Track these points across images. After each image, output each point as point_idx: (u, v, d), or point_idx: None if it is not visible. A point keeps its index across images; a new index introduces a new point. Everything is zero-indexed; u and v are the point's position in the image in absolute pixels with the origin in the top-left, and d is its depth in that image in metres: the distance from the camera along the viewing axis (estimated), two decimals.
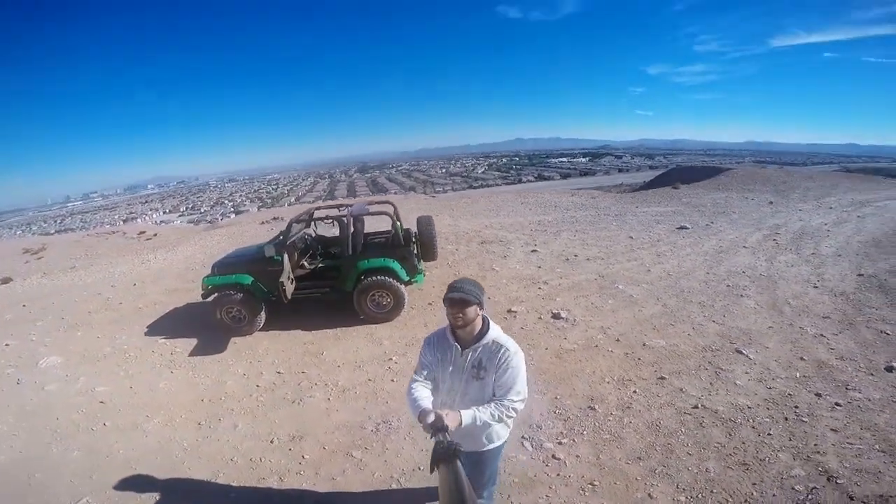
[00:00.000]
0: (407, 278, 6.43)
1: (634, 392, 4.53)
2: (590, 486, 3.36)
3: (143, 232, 16.38)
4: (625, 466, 3.54)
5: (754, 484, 3.27)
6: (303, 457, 3.88)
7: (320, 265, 7.19)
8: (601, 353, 5.32)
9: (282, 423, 4.44)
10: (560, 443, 3.84)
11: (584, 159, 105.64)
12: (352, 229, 6.46)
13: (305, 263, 7.02)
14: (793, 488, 3.20)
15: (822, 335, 5.66)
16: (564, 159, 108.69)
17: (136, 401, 4.98)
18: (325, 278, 6.74)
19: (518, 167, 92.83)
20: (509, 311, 6.64)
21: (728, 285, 7.53)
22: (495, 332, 2.22)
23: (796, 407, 4.15)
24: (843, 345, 5.40)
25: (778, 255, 9.25)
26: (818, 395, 4.33)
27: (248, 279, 6.24)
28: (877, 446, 3.57)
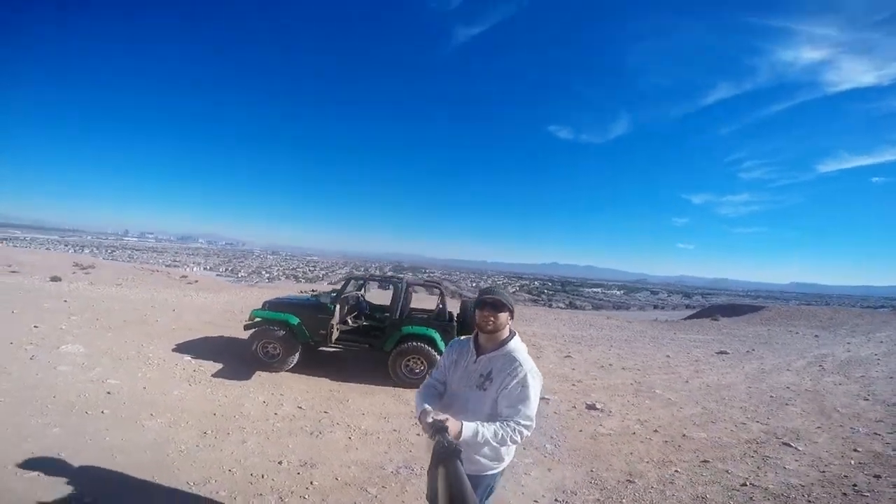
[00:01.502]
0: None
1: (676, 471, 4.36)
2: None
3: (186, 276, 17.34)
4: None
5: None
6: (311, 483, 3.68)
7: (364, 324, 7.64)
8: (639, 440, 5.18)
9: (295, 448, 4.24)
10: None
11: (618, 292, 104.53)
12: (403, 295, 6.97)
13: (349, 321, 7.46)
14: None
15: (875, 433, 5.36)
16: (598, 289, 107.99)
17: (145, 399, 4.94)
18: (367, 336, 7.11)
19: (550, 292, 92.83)
20: (541, 398, 6.64)
21: (771, 396, 7.30)
22: (516, 345, 2.10)
23: (854, 485, 3.92)
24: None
25: (824, 377, 8.93)
26: (877, 476, 4.08)
27: (296, 320, 6.66)
28: None
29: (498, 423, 1.94)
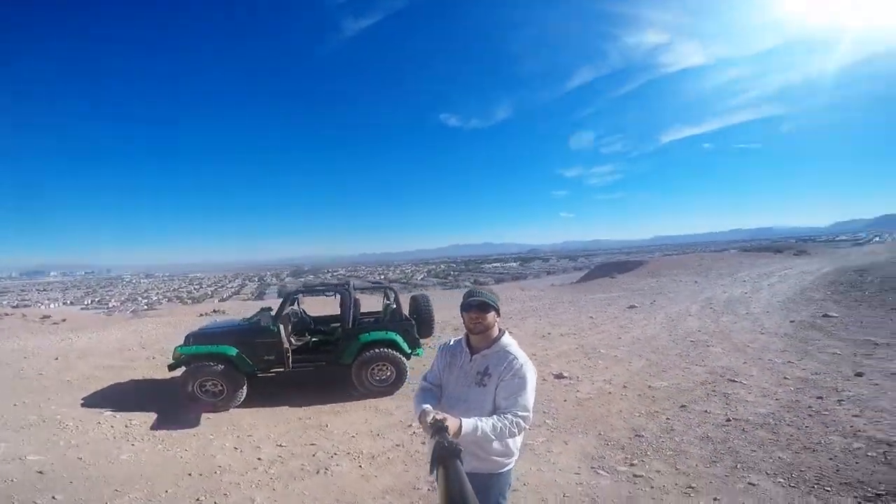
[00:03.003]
0: (409, 351, 6.45)
1: (667, 419, 4.79)
2: (689, 488, 3.47)
3: (49, 316, 14.24)
4: (706, 469, 3.73)
5: (830, 459, 3.70)
6: None
7: (313, 339, 7.02)
8: (617, 398, 5.56)
9: (313, 493, 3.83)
10: (632, 464, 3.92)
11: (515, 264, 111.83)
12: (352, 302, 6.46)
13: (293, 340, 6.76)
14: (866, 455, 3.67)
15: (790, 362, 6.44)
16: (498, 264, 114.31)
17: (91, 473, 4.11)
18: (321, 352, 6.56)
19: (455, 273, 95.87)
20: None
21: (692, 341, 8.34)
22: (508, 341, 2.15)
23: (810, 406, 4.70)
24: (810, 366, 6.19)
25: (720, 317, 10.45)
26: (819, 397, 4.93)
27: (233, 350, 5.90)
28: None
29: (496, 417, 1.96)
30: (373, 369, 6.21)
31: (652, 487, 3.54)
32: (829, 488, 3.33)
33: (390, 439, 4.83)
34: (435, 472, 1.56)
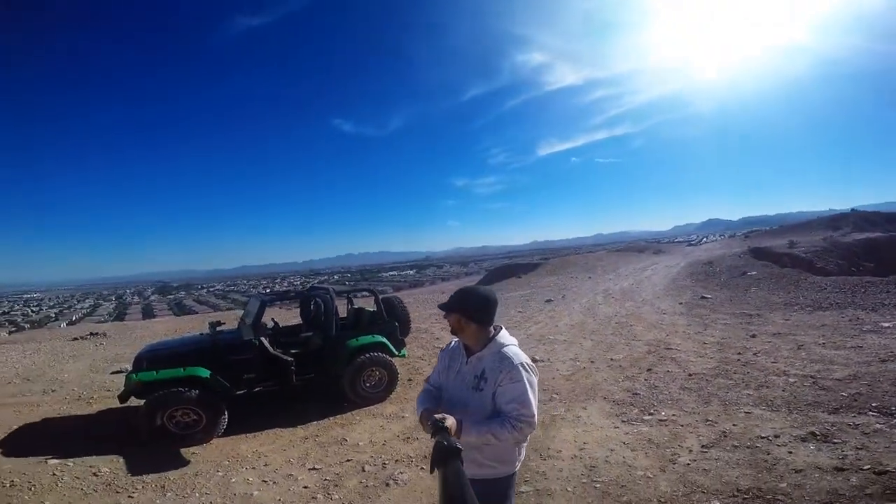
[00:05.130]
0: (396, 353, 6.44)
1: (646, 380, 5.82)
2: (707, 421, 4.43)
3: None
4: (707, 408, 4.77)
5: (783, 390, 5.05)
6: None
7: (294, 351, 6.34)
8: (594, 369, 6.51)
9: None
10: (650, 414, 4.78)
11: (412, 271, 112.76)
12: (333, 308, 6.22)
13: (279, 353, 6.09)
14: (804, 385, 5.11)
15: (699, 332, 8.15)
16: (395, 272, 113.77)
17: None
18: (305, 364, 6.04)
19: (351, 283, 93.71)
20: None
21: (616, 323, 9.86)
22: (504, 339, 2.07)
23: (738, 360, 6.26)
24: (716, 334, 7.92)
25: (624, 303, 12.39)
26: (739, 353, 6.54)
27: (206, 372, 5.24)
28: (805, 355, 5.93)
29: (498, 420, 1.91)
30: (364, 375, 6.07)
31: (681, 426, 4.40)
32: (800, 409, 4.52)
33: (423, 440, 4.63)
34: (435, 471, 1.56)
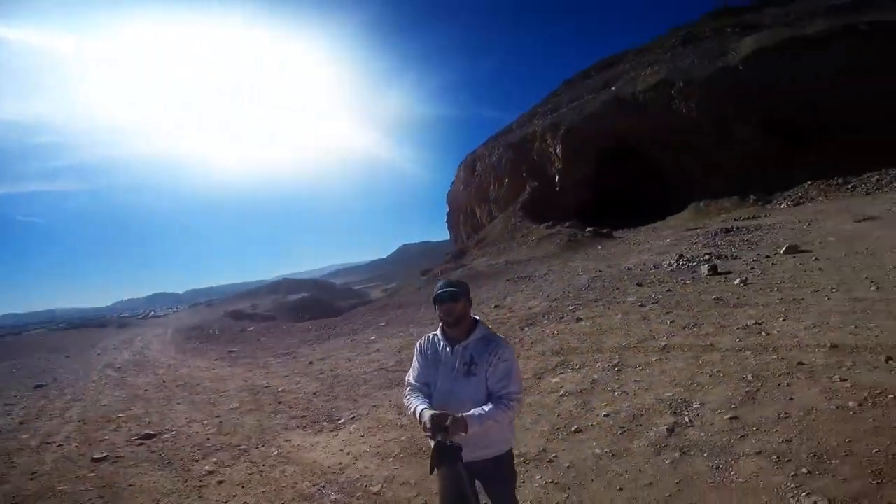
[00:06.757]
0: None
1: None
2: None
3: None
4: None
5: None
6: None
7: None
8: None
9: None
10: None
11: None
12: None
13: None
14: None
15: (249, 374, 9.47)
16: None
17: None
18: None
19: None
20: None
21: (180, 385, 9.33)
22: (484, 327, 2.16)
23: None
24: (281, 370, 9.45)
25: (155, 371, 11.49)
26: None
27: None
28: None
29: (494, 403, 1.97)
30: None
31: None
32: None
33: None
34: (435, 472, 1.58)
